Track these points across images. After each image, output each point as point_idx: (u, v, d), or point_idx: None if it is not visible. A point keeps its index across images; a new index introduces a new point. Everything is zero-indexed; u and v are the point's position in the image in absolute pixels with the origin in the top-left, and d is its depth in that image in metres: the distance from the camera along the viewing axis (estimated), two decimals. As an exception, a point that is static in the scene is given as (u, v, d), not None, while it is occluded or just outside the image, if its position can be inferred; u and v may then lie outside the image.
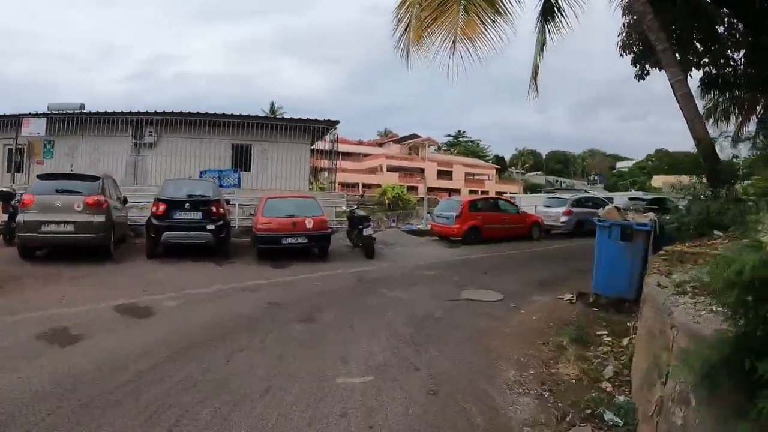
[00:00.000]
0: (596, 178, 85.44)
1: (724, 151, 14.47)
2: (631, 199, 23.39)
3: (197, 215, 11.33)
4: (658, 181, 51.45)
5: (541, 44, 12.10)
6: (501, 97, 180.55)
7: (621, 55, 13.65)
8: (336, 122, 19.21)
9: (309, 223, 11.61)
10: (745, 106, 18.67)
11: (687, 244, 6.53)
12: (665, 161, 62.49)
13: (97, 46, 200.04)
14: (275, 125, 19.24)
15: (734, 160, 9.65)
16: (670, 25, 11.59)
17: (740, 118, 19.92)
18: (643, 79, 13.89)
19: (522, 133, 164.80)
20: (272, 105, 55.55)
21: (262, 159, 18.94)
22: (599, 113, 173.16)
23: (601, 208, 8.62)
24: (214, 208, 11.43)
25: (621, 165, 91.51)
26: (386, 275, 10.15)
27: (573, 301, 8.07)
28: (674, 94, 8.95)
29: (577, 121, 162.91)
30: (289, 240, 11.48)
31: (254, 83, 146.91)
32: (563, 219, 18.84)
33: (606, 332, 6.18)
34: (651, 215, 7.91)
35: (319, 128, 19.46)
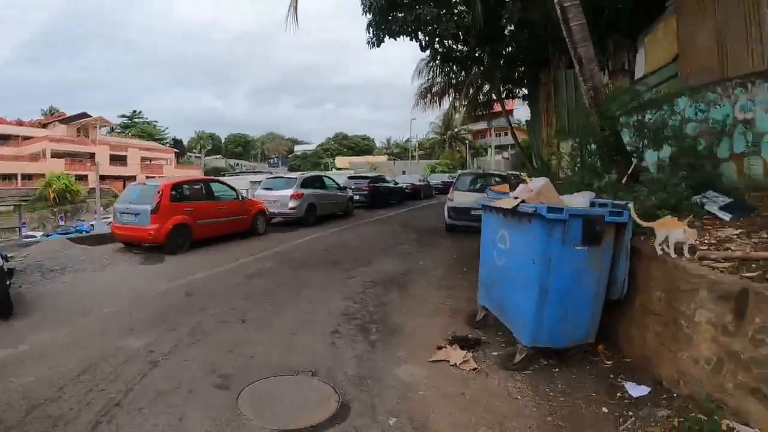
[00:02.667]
0: (277, 160, 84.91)
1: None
2: (351, 177, 21.21)
3: None
4: (343, 161, 53.27)
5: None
6: (180, 80, 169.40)
7: (363, 12, 13.07)
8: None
9: None
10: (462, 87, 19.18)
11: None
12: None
13: None
14: None
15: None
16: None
17: (453, 97, 20.24)
18: (378, 47, 13.35)
19: (200, 116, 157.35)
20: None
21: None
22: (279, 99, 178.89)
23: (521, 185, 4.59)
24: None
25: (299, 148, 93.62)
26: (35, 387, 3.86)
27: (473, 366, 4.11)
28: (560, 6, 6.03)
29: (257, 106, 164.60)
30: None
31: None
32: (292, 204, 14.51)
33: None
34: (587, 194, 4.33)
35: None
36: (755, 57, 6.37)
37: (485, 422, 3.24)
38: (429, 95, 20.52)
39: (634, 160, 6.02)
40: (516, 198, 4.10)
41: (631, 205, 3.97)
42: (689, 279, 3.44)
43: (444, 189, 24.68)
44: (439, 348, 4.43)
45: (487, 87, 19.77)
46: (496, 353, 4.32)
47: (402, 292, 6.65)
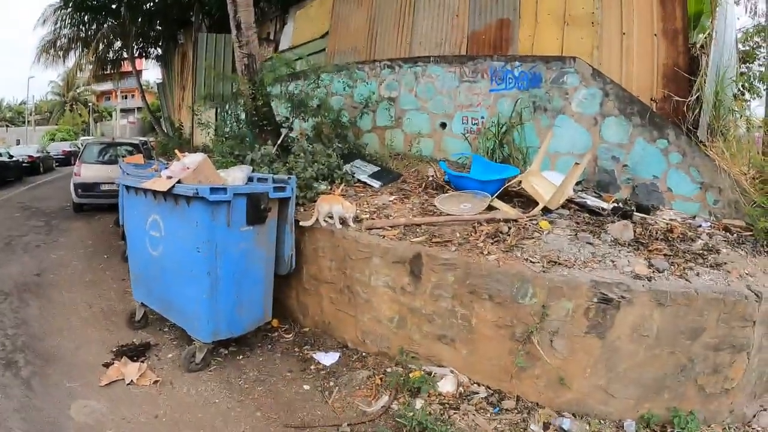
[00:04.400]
0: None
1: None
2: None
3: None
4: None
5: None
6: None
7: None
8: None
9: None
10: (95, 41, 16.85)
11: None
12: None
13: None
14: None
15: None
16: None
17: (80, 52, 17.61)
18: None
19: None
20: None
21: None
22: None
23: (175, 162, 3.79)
24: None
25: None
26: None
27: (154, 378, 3.47)
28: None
29: None
30: None
31: None
32: None
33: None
34: (244, 168, 4.10)
35: None
36: (403, 45, 7.20)
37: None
38: (54, 49, 17.17)
39: (284, 131, 6.04)
40: (170, 177, 3.47)
41: (293, 179, 3.91)
42: (360, 248, 3.62)
43: (65, 160, 21.52)
44: (107, 365, 3.57)
45: (119, 44, 17.73)
46: (171, 355, 3.74)
47: (42, 299, 5.18)
